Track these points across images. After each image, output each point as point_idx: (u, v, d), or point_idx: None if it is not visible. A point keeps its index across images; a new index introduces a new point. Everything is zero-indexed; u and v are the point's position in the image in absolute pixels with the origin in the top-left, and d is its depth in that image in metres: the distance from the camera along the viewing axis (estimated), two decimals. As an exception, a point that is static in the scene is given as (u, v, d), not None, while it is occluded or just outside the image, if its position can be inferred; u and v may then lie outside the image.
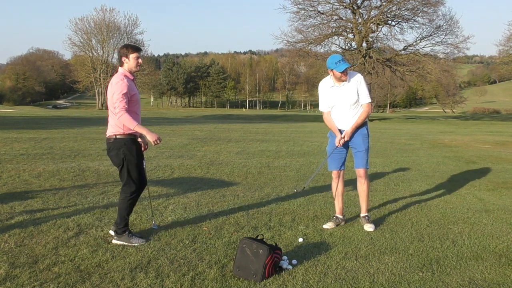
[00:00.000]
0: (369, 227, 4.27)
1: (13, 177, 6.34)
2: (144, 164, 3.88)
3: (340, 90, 4.24)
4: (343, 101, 4.25)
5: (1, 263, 3.17)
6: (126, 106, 3.52)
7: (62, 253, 3.42)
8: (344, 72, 4.12)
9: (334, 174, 4.47)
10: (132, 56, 3.66)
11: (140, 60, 3.73)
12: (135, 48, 3.72)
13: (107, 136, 3.72)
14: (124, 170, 3.69)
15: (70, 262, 3.24)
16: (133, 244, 3.63)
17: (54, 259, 3.29)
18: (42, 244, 3.59)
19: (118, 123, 3.57)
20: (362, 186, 4.46)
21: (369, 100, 4.27)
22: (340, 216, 4.49)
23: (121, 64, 3.70)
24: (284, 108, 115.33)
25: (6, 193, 5.38)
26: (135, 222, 4.32)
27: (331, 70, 4.16)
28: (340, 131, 4.35)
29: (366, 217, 4.43)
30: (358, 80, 4.22)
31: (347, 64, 4.08)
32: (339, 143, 4.30)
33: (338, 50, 39.66)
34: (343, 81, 4.19)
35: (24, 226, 4.05)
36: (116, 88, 3.54)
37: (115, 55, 59.49)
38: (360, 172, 4.42)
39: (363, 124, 4.33)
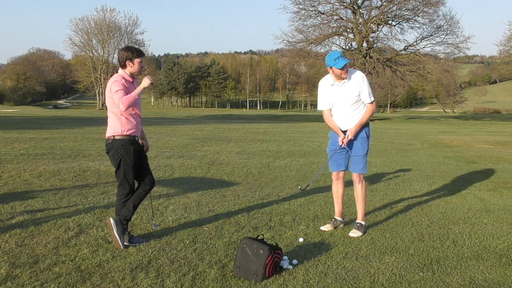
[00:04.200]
0: (352, 233, 4.11)
1: (13, 177, 6.35)
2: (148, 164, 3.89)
3: (340, 89, 4.14)
4: (342, 100, 4.15)
5: (1, 263, 3.17)
6: (123, 96, 3.48)
7: (62, 253, 3.43)
8: (344, 69, 4.01)
9: (334, 175, 4.39)
10: (137, 60, 3.65)
11: (143, 64, 3.75)
12: (140, 52, 3.70)
13: (106, 137, 3.73)
14: (120, 171, 3.70)
15: (70, 262, 3.24)
16: (124, 242, 3.60)
17: (55, 259, 3.30)
18: (43, 244, 3.59)
19: (123, 109, 3.48)
20: (356, 191, 4.31)
21: (372, 100, 4.12)
22: (339, 219, 4.41)
23: (123, 66, 3.67)
24: (285, 108, 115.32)
25: (6, 193, 5.39)
26: (136, 222, 4.32)
27: (330, 67, 4.04)
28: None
29: (358, 224, 4.21)
30: (360, 79, 4.09)
31: (346, 60, 3.96)
32: (343, 142, 4.14)
33: (338, 50, 39.69)
34: (343, 78, 4.08)
35: (24, 226, 4.05)
36: (113, 86, 3.56)
37: (116, 55, 59.38)
38: (354, 176, 4.29)
39: (365, 125, 4.21)
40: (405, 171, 8.32)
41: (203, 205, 5.11)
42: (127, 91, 3.57)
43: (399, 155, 10.87)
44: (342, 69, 4.00)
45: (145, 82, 3.62)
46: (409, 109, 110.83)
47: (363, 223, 4.25)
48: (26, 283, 2.86)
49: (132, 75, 3.72)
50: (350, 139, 4.17)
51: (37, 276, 2.97)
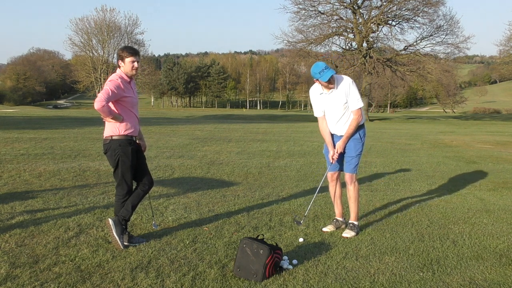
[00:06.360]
0: (346, 233, 4.11)
1: (13, 177, 6.35)
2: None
3: (329, 97, 4.13)
4: (333, 108, 4.15)
5: (1, 263, 3.17)
6: (107, 99, 3.44)
7: (62, 253, 3.43)
8: (330, 81, 3.99)
9: (330, 176, 4.39)
10: (128, 60, 3.61)
11: (135, 64, 3.64)
12: (132, 52, 3.64)
13: (104, 137, 3.72)
14: (118, 172, 3.70)
15: (70, 262, 3.24)
16: (123, 242, 3.61)
17: (55, 259, 3.30)
18: (43, 244, 3.59)
19: (95, 107, 3.46)
20: (348, 192, 4.30)
21: (359, 106, 4.07)
22: (340, 219, 4.42)
23: (118, 66, 3.68)
24: (285, 108, 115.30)
25: (6, 193, 5.39)
26: (136, 222, 4.32)
27: (317, 79, 4.04)
28: (334, 136, 4.29)
29: (351, 225, 4.20)
30: (346, 87, 4.05)
31: (331, 72, 3.91)
32: (333, 159, 4.23)
33: (338, 50, 39.75)
34: (330, 88, 4.08)
35: (24, 226, 4.05)
36: (108, 84, 3.54)
37: (116, 55, 59.23)
38: (346, 176, 4.28)
39: (359, 127, 4.20)
40: (405, 171, 8.32)
41: (203, 205, 5.11)
42: (121, 91, 3.56)
43: (399, 155, 10.87)
44: (328, 81, 3.99)
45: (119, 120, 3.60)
46: (409, 109, 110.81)
47: (355, 223, 4.24)
48: (26, 283, 2.86)
49: (127, 75, 3.68)
50: (341, 153, 4.22)
51: (37, 276, 2.97)
